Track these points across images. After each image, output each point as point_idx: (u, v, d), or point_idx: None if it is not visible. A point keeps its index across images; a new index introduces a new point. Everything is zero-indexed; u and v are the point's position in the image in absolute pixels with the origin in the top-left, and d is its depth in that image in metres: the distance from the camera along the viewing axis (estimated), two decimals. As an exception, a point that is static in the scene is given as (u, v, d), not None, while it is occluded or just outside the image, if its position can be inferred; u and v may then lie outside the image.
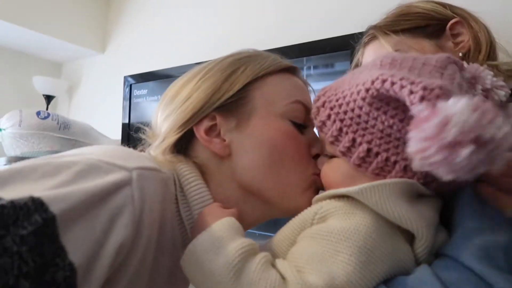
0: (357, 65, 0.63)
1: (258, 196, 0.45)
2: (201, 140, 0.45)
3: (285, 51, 0.90)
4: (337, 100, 0.38)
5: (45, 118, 1.08)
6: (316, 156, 0.47)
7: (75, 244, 0.30)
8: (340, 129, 0.37)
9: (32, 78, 1.75)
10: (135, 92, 1.26)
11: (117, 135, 1.32)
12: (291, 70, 0.50)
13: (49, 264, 0.29)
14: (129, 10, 1.68)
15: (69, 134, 1.13)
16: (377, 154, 0.35)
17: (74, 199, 0.31)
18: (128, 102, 1.28)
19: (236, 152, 0.45)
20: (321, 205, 0.35)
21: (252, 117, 0.45)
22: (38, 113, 1.09)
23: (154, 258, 0.40)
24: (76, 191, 0.31)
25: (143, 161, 0.39)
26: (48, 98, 1.74)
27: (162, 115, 0.48)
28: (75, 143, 1.15)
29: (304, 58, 0.88)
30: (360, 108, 0.35)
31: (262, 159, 0.44)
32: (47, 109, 1.67)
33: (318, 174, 0.45)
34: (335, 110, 0.37)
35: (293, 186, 0.45)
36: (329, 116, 0.38)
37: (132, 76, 1.27)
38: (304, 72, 0.88)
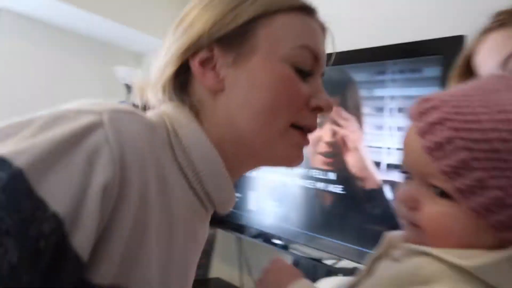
0: (470, 55, 0.55)
1: (244, 141, 0.44)
2: (194, 71, 0.43)
3: (365, 54, 0.86)
4: (466, 122, 0.30)
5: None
6: (315, 109, 0.45)
7: (55, 194, 0.29)
8: (465, 162, 0.29)
9: (113, 68, 1.85)
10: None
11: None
12: (307, 11, 0.46)
13: (30, 219, 0.28)
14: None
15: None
16: (509, 206, 0.28)
17: (40, 149, 0.30)
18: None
19: (230, 89, 0.43)
20: (421, 264, 0.31)
21: (252, 55, 0.43)
22: (122, 103, 1.15)
23: (165, 207, 0.38)
24: (41, 141, 0.30)
25: (117, 105, 0.37)
26: (129, 88, 1.84)
27: (164, 49, 0.46)
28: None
29: (389, 62, 0.83)
30: (507, 142, 0.28)
31: (254, 101, 0.42)
32: (127, 98, 1.76)
33: (311, 127, 0.45)
34: (463, 134, 0.30)
35: (278, 134, 0.43)
36: (450, 140, 0.30)
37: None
38: (389, 76, 0.83)
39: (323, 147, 0.95)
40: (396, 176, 0.83)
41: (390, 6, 1.06)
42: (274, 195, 1.08)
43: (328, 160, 0.94)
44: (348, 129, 0.90)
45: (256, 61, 0.43)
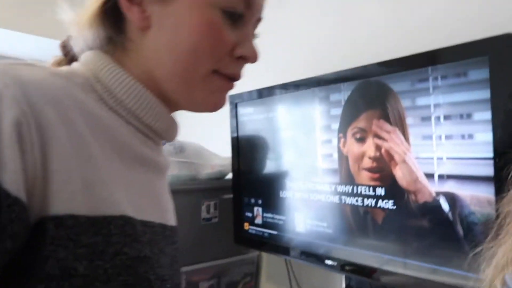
0: None
1: (166, 84, 0.44)
2: (121, 4, 0.43)
3: (403, 63, 0.83)
4: None
5: (163, 144, 1.15)
6: (240, 58, 0.45)
7: None
8: None
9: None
10: (241, 110, 1.28)
11: (227, 152, 1.35)
12: None
13: None
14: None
15: (184, 157, 1.18)
16: None
17: None
18: (235, 120, 1.30)
19: (156, 28, 0.43)
20: None
21: None
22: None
23: (106, 139, 0.39)
24: None
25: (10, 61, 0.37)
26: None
27: None
28: (190, 165, 1.20)
29: (429, 68, 0.79)
30: None
31: (177, 43, 0.42)
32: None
33: (234, 76, 0.45)
34: None
35: (198, 80, 0.44)
36: None
37: (238, 95, 1.29)
38: (430, 84, 0.79)
39: (368, 163, 0.92)
40: (451, 187, 0.78)
41: (424, 10, 1.02)
42: (321, 215, 1.05)
43: (375, 175, 0.91)
44: (393, 141, 0.86)
45: (183, 2, 0.42)
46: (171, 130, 0.49)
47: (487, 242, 0.46)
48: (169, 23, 0.43)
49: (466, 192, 0.76)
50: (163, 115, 0.46)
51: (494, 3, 0.88)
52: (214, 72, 0.45)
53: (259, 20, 0.48)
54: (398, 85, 0.84)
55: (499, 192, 0.70)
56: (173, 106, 0.48)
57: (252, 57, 0.46)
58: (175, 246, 0.50)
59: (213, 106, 0.47)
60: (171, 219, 0.51)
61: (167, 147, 1.16)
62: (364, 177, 0.93)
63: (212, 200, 1.28)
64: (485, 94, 0.71)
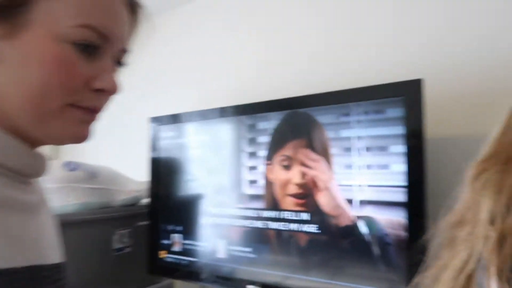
0: None
1: (17, 120, 0.43)
2: None
3: (330, 97, 0.89)
4: None
5: (73, 169, 1.04)
6: (98, 90, 0.44)
7: None
8: None
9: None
10: (161, 134, 1.23)
11: (143, 176, 1.28)
12: None
13: None
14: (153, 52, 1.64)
15: (97, 183, 1.09)
16: None
17: None
18: (154, 143, 1.24)
19: (3, 64, 0.41)
20: None
21: (26, 30, 0.40)
22: (66, 165, 1.05)
23: None
24: None
25: None
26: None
27: None
28: (103, 192, 1.10)
29: (353, 104, 0.87)
30: None
31: (25, 79, 0.41)
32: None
33: (94, 109, 0.45)
34: None
35: (51, 114, 0.42)
36: None
37: (159, 118, 1.24)
38: (353, 118, 0.87)
39: (293, 189, 0.96)
40: (369, 211, 0.86)
41: (352, 52, 1.12)
42: (245, 240, 1.05)
43: (300, 201, 0.95)
44: (318, 169, 0.91)
45: (30, 37, 0.40)
46: (35, 166, 0.46)
47: (424, 271, 0.49)
48: (17, 59, 0.41)
49: (382, 216, 0.84)
50: (21, 152, 0.44)
51: (410, 52, 1.01)
52: (70, 105, 0.43)
53: (123, 51, 0.47)
54: (323, 117, 0.91)
55: (411, 216, 0.80)
56: (34, 141, 0.45)
57: (110, 90, 0.45)
58: (59, 284, 0.47)
59: (74, 138, 0.45)
60: (53, 257, 0.47)
61: (77, 173, 1.05)
62: (289, 202, 0.97)
63: (126, 228, 1.19)
64: (400, 130, 0.80)
